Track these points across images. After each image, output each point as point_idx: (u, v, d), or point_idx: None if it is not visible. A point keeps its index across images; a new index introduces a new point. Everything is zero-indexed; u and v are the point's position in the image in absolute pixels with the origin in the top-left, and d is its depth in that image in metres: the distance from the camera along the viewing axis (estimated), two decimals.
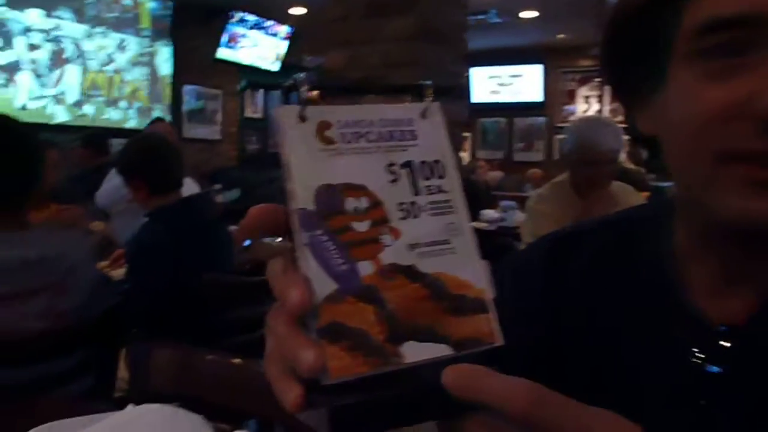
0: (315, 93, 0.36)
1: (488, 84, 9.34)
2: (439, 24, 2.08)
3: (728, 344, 0.51)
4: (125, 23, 6.11)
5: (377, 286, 0.35)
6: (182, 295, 1.76)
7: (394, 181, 0.37)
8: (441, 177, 0.38)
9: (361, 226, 0.35)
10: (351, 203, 0.36)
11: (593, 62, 8.57)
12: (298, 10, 7.07)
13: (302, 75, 0.36)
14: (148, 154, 2.01)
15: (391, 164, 0.37)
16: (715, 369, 0.51)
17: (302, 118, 0.35)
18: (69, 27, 5.62)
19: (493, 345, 0.36)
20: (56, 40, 5.54)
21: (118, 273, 2.16)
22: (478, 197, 5.34)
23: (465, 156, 8.91)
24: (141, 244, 1.90)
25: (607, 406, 0.36)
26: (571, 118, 8.65)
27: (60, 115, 5.62)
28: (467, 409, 0.34)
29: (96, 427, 0.80)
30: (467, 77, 8.95)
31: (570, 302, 0.60)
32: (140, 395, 1.08)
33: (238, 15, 6.87)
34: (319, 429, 0.34)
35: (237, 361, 1.12)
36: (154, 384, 1.11)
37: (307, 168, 0.35)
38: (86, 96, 5.83)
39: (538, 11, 6.94)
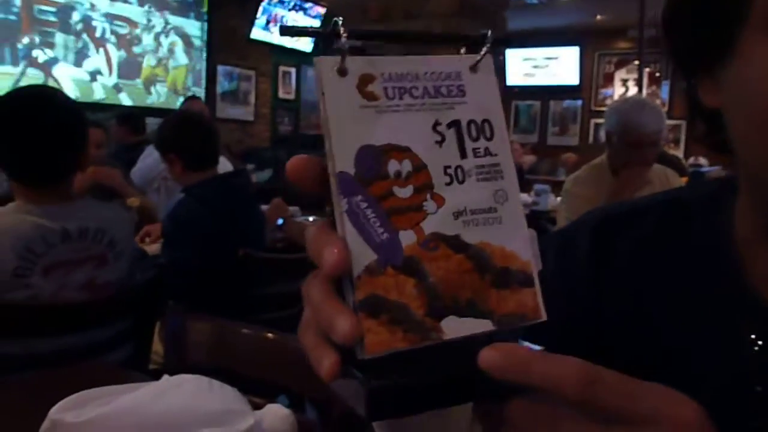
0: (358, 42, 0.34)
1: (523, 66, 9.18)
2: (480, 1, 2.03)
3: None
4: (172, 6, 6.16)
5: (419, 258, 0.33)
6: (217, 270, 1.78)
7: (440, 142, 0.35)
8: (490, 139, 0.36)
9: (404, 192, 0.34)
10: (393, 166, 0.34)
11: (632, 45, 8.35)
12: None
13: (341, 20, 0.33)
14: (184, 130, 2.03)
15: (437, 123, 0.35)
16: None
17: (342, 72, 0.33)
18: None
19: (537, 320, 0.35)
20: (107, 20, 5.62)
21: (153, 248, 2.20)
22: None
23: None
24: (177, 218, 1.92)
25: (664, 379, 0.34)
26: (608, 101, 8.47)
27: (98, 93, 5.72)
28: (509, 391, 0.32)
29: (132, 395, 0.80)
30: (503, 58, 8.84)
31: (617, 283, 0.57)
32: (175, 367, 1.10)
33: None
34: (353, 404, 0.33)
35: (270, 335, 1.12)
36: (189, 356, 1.12)
37: (348, 127, 0.33)
38: (124, 77, 5.92)
39: None
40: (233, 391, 0.87)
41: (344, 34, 0.33)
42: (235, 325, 1.16)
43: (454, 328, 0.33)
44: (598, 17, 7.94)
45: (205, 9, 6.51)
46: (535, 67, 9.16)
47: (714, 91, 0.50)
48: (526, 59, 9.14)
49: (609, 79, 8.85)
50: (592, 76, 8.89)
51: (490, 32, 0.37)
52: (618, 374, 0.32)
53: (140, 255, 1.64)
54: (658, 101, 8.18)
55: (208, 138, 2.03)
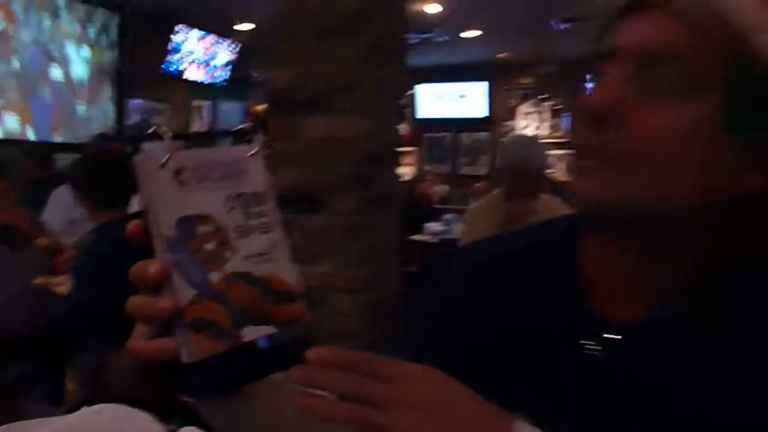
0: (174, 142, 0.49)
1: (434, 100, 9.57)
2: (382, 49, 2.20)
3: (619, 337, 0.62)
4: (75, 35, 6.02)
5: (224, 289, 0.48)
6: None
7: (231, 209, 0.50)
8: (264, 204, 0.52)
9: (210, 246, 0.48)
10: (201, 229, 0.48)
11: (533, 80, 8.93)
12: (246, 26, 7.12)
13: (168, 129, 0.50)
14: (92, 171, 2.08)
15: (229, 197, 0.50)
16: (604, 357, 0.62)
17: (160, 166, 0.47)
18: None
19: (305, 321, 0.52)
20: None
21: (62, 288, 2.19)
22: (420, 211, 5.49)
23: (411, 170, 9.09)
24: (86, 257, 1.94)
25: (522, 397, 0.52)
26: (511, 133, 8.97)
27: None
28: (289, 366, 0.49)
29: (55, 424, 0.86)
30: (411, 95, 9.21)
31: (493, 315, 0.70)
32: (93, 399, 1.14)
33: (185, 29, 6.87)
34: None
35: None
36: (107, 387, 1.17)
37: (168, 204, 0.47)
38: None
39: (481, 30, 7.20)
40: (150, 417, 0.94)
41: (166, 140, 0.49)
42: None
43: (250, 333, 0.48)
44: (502, 54, 8.44)
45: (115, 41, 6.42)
46: (447, 101, 9.56)
47: None
48: (437, 94, 9.54)
49: (513, 113, 9.37)
50: (499, 109, 9.38)
51: (257, 129, 0.54)
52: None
53: (44, 296, 1.66)
54: (558, 132, 8.76)
55: (118, 179, 2.07)
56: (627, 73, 0.56)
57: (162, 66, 6.82)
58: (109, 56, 6.37)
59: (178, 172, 0.48)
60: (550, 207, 2.38)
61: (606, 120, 0.55)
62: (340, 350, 0.49)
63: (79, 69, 6.13)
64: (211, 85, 7.51)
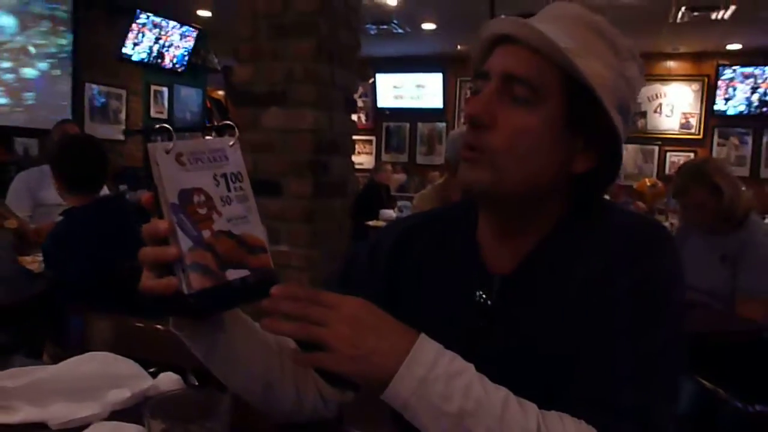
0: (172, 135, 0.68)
1: (393, 90, 9.71)
2: (333, 46, 2.38)
3: (497, 288, 0.82)
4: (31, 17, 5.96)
5: (212, 242, 0.66)
6: (100, 285, 1.92)
7: (217, 184, 0.68)
8: (241, 181, 0.71)
9: (202, 211, 0.66)
10: (196, 198, 0.66)
11: None
12: (204, 13, 7.15)
13: (168, 126, 0.71)
14: (66, 154, 2.13)
15: (215, 175, 0.68)
16: (489, 302, 0.83)
17: (167, 152, 0.65)
18: None
19: (270, 268, 0.70)
20: None
21: (34, 267, 2.31)
22: (378, 198, 5.70)
23: (369, 159, 9.24)
24: (55, 239, 2.03)
25: (424, 330, 0.70)
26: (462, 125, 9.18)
27: None
28: (259, 298, 0.68)
29: (55, 366, 1.04)
30: (371, 85, 9.30)
31: (408, 269, 0.90)
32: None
33: (144, 14, 6.85)
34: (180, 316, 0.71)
35: (159, 326, 1.37)
36: (91, 348, 1.34)
37: (173, 180, 0.65)
38: None
39: (436, 24, 7.39)
40: (133, 362, 1.12)
41: (174, 134, 0.68)
42: (129, 321, 1.39)
43: (232, 273, 0.67)
44: (459, 47, 8.63)
45: (70, 25, 6.35)
46: (405, 91, 9.70)
47: None
48: (395, 84, 9.67)
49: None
50: (455, 100, 9.59)
51: (235, 126, 0.74)
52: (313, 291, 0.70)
53: (22, 273, 1.77)
54: None
55: (91, 164, 2.12)
56: (494, 89, 0.78)
57: (120, 51, 6.79)
58: (64, 40, 6.31)
59: (179, 156, 0.66)
60: None
61: (481, 123, 0.77)
62: (294, 287, 0.70)
63: (35, 54, 6.07)
64: (170, 71, 7.51)
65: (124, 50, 6.82)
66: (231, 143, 0.71)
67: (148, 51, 7.10)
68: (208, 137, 0.76)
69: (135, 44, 6.91)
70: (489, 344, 0.80)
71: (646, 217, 0.84)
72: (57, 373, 1.02)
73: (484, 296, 0.83)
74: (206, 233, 0.66)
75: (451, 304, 0.85)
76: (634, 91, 0.82)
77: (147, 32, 7.00)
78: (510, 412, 0.66)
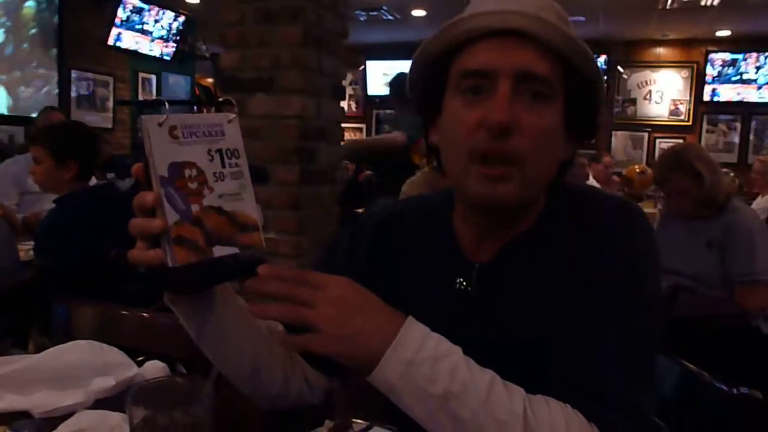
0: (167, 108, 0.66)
1: (383, 77, 9.65)
2: (320, 33, 2.36)
3: (477, 276, 0.82)
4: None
5: (201, 217, 0.65)
6: (90, 272, 1.93)
7: (211, 159, 0.67)
8: (237, 158, 0.69)
9: (193, 185, 0.65)
10: (187, 172, 0.65)
11: None
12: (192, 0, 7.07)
13: (164, 99, 0.69)
14: (85, 139, 2.18)
15: (210, 150, 0.67)
16: (470, 289, 0.83)
17: (160, 125, 0.64)
18: None
19: (262, 247, 0.70)
20: None
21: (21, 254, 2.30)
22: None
23: None
24: (47, 227, 2.04)
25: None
26: None
27: None
28: (246, 277, 0.66)
29: (39, 355, 1.03)
30: (363, 69, 9.25)
31: (388, 256, 0.90)
32: None
33: (131, 1, 6.77)
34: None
35: (145, 314, 1.37)
36: (76, 336, 1.33)
37: (163, 152, 0.63)
38: None
39: (426, 10, 7.36)
40: (119, 351, 1.12)
41: (166, 106, 0.66)
42: (115, 308, 1.39)
43: (219, 250, 0.66)
44: None
45: (56, 11, 6.27)
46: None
47: (435, 134, 0.84)
48: (386, 72, 9.61)
49: None
50: None
51: (235, 102, 0.72)
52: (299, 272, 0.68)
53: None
54: None
55: (88, 153, 2.16)
56: (509, 89, 0.73)
57: (107, 38, 6.71)
58: (51, 27, 6.23)
59: (172, 129, 0.64)
60: None
61: (509, 130, 0.72)
62: (282, 267, 0.69)
63: (21, 40, 5.99)
64: (157, 58, 7.43)
65: (111, 37, 6.73)
66: (229, 119, 0.69)
67: (136, 38, 7.02)
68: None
69: (123, 32, 6.83)
70: (470, 331, 0.79)
71: (617, 198, 0.83)
72: (41, 362, 1.02)
73: (464, 283, 0.83)
74: (195, 207, 0.65)
75: (431, 292, 0.85)
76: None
77: (134, 19, 6.91)
78: (495, 394, 0.66)
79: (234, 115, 0.70)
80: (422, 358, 0.66)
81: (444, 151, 0.81)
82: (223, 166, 0.68)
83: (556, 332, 0.74)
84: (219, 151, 0.68)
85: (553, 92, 0.75)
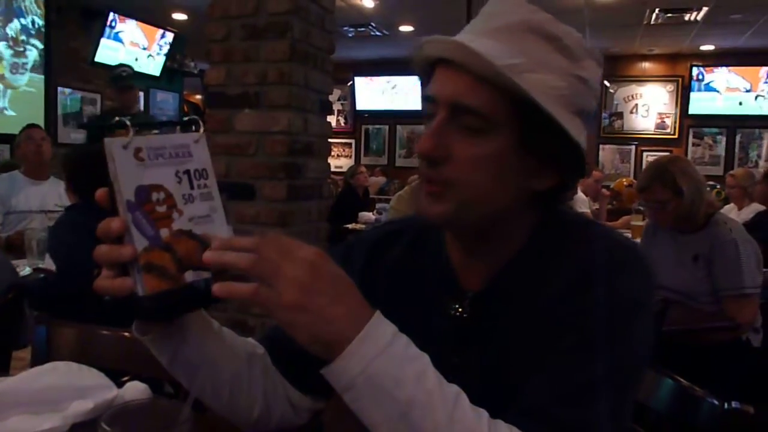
0: (130, 131, 0.63)
1: (372, 93, 9.71)
2: (307, 48, 2.36)
3: (463, 304, 0.81)
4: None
5: (171, 242, 0.62)
6: (79, 286, 1.91)
7: (179, 181, 0.64)
8: (206, 178, 0.67)
9: (161, 209, 0.62)
10: (155, 195, 0.62)
11: None
12: (179, 16, 7.07)
13: (127, 119, 0.65)
14: (80, 165, 2.13)
15: (178, 171, 0.65)
16: (464, 315, 0.81)
17: (124, 147, 0.61)
18: None
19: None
20: None
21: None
22: (356, 201, 5.68)
23: (349, 162, 9.22)
24: (52, 245, 2.05)
25: None
26: None
27: None
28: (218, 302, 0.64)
29: (14, 378, 1.00)
30: (352, 84, 9.30)
31: (381, 278, 0.88)
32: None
33: (118, 18, 6.76)
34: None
35: (127, 334, 1.33)
36: (56, 357, 1.30)
37: (129, 176, 0.61)
38: None
39: (413, 26, 7.41)
40: (98, 372, 1.09)
41: (131, 128, 0.63)
42: (95, 328, 1.36)
43: (191, 276, 0.63)
44: None
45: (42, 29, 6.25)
46: (383, 93, 9.70)
47: None
48: (374, 86, 9.66)
49: None
50: None
51: (201, 120, 0.69)
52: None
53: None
54: None
55: (101, 174, 2.17)
56: (443, 120, 0.72)
57: (94, 55, 6.69)
58: (37, 44, 6.20)
59: (137, 151, 0.62)
60: None
61: (436, 159, 0.73)
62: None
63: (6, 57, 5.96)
64: (145, 75, 7.42)
65: (97, 55, 6.71)
66: (196, 139, 0.67)
67: (123, 55, 7.00)
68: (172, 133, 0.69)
69: (110, 49, 6.81)
70: (462, 359, 0.79)
71: (620, 236, 0.80)
72: (17, 385, 0.99)
73: (459, 310, 0.82)
74: (164, 232, 0.62)
75: (424, 317, 0.83)
76: (595, 89, 0.77)
77: (122, 36, 6.90)
78: (461, 410, 0.62)
79: (201, 135, 0.67)
80: (390, 355, 0.60)
81: None
82: (192, 187, 0.65)
83: (535, 364, 0.72)
84: (187, 172, 0.65)
85: (489, 124, 0.71)
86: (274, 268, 0.59)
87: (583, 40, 0.77)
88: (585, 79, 0.75)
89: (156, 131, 0.71)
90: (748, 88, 8.20)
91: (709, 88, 8.27)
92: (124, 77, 4.32)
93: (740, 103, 8.23)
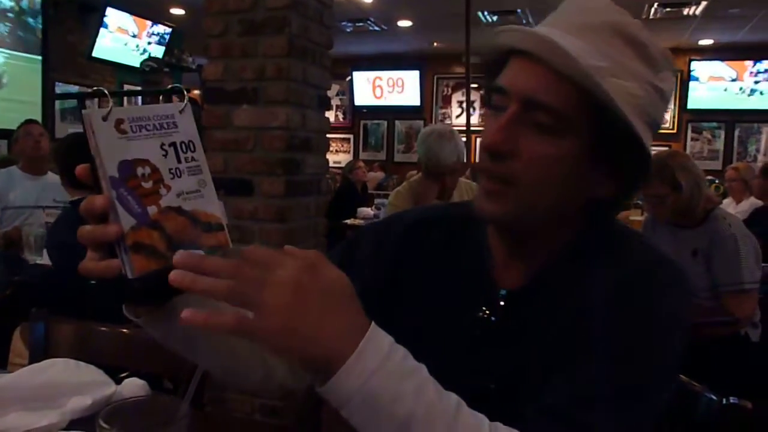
0: (110, 101, 0.59)
1: (370, 88, 9.69)
2: (305, 43, 2.35)
3: (503, 303, 0.79)
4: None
5: (159, 220, 0.58)
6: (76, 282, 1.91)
7: (165, 155, 0.60)
8: (193, 151, 0.62)
9: (147, 185, 0.58)
10: (140, 170, 0.58)
11: (465, 70, 9.19)
12: (177, 10, 7.05)
13: (105, 89, 0.61)
14: (72, 153, 2.12)
15: (163, 144, 0.60)
16: (493, 318, 0.79)
17: (104, 119, 0.57)
18: None
19: (228, 248, 0.63)
20: None
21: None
22: (354, 196, 5.67)
23: (347, 158, 9.21)
24: (50, 239, 2.06)
25: (420, 341, 0.62)
26: (447, 121, 9.23)
27: None
28: None
29: (12, 375, 1.00)
30: (350, 79, 9.29)
31: (413, 265, 0.86)
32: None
33: (115, 12, 6.74)
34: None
35: (125, 330, 1.33)
36: (54, 354, 1.30)
37: (111, 150, 0.56)
38: None
39: (412, 21, 7.39)
40: (96, 368, 1.09)
41: (110, 97, 0.60)
42: (94, 325, 1.35)
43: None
44: (435, 44, 8.64)
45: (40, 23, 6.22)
46: (382, 88, 9.68)
47: None
48: (373, 80, 9.64)
49: (447, 101, 9.61)
50: (432, 97, 9.60)
51: (185, 89, 0.65)
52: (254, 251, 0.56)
53: None
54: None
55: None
56: (515, 114, 0.70)
57: (92, 49, 6.67)
58: (33, 38, 6.17)
59: (119, 123, 0.57)
60: (467, 191, 2.59)
61: (503, 154, 0.70)
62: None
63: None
64: (143, 70, 7.38)
65: (95, 50, 6.68)
66: (180, 109, 0.62)
67: (121, 49, 6.97)
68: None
69: (107, 43, 6.78)
70: (485, 358, 0.78)
71: (663, 252, 0.77)
72: (15, 381, 0.99)
73: (488, 312, 0.81)
74: (152, 210, 0.58)
75: (453, 313, 0.82)
76: (668, 101, 0.75)
77: (119, 30, 6.87)
78: (461, 421, 0.59)
79: (185, 104, 0.63)
80: (388, 371, 0.57)
81: None
82: (179, 161, 0.61)
83: (559, 367, 0.70)
84: (173, 144, 0.61)
85: (562, 124, 0.69)
86: (254, 293, 0.54)
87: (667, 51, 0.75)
88: (662, 90, 0.73)
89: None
90: (734, 77, 8.17)
91: (709, 82, 8.26)
92: (147, 72, 4.27)
93: (725, 90, 8.19)
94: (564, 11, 0.75)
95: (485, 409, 0.62)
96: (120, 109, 0.58)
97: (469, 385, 0.63)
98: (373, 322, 0.59)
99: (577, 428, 0.65)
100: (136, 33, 7.14)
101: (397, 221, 0.91)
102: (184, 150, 0.62)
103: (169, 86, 0.66)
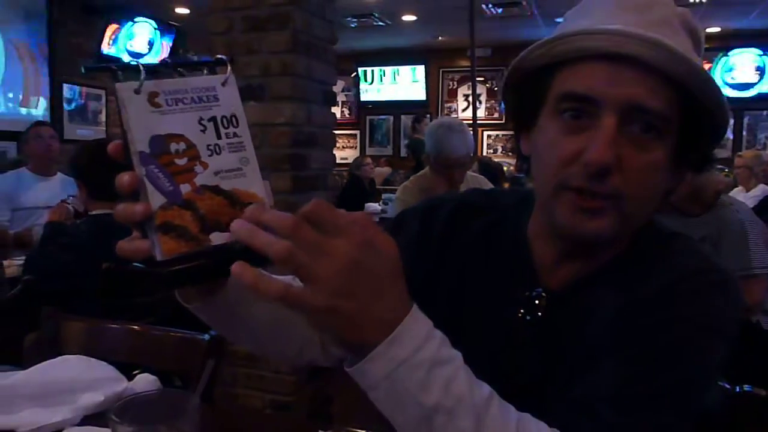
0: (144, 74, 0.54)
1: (375, 83, 9.67)
2: (309, 39, 2.35)
3: (540, 302, 0.78)
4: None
5: (193, 199, 0.54)
6: (86, 284, 1.90)
7: (203, 130, 0.56)
8: (236, 126, 0.57)
9: (181, 162, 0.54)
10: (173, 147, 0.54)
11: (470, 63, 9.16)
12: (182, 10, 7.06)
13: (139, 62, 0.56)
14: (92, 161, 2.05)
15: (201, 119, 0.56)
16: (528, 317, 0.78)
17: (137, 92, 0.53)
18: None
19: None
20: None
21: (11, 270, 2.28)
22: (362, 192, 5.68)
23: (354, 153, 9.20)
24: (62, 235, 2.01)
25: (457, 330, 0.60)
26: (453, 115, 9.20)
27: None
28: (263, 264, 0.52)
29: (26, 371, 1.01)
30: (356, 75, 9.28)
31: (459, 248, 0.85)
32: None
33: (122, 13, 6.76)
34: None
35: (136, 327, 1.34)
36: (66, 351, 1.31)
37: (142, 124, 0.53)
38: None
39: (416, 15, 7.36)
40: (108, 365, 1.10)
41: (142, 69, 0.54)
42: (105, 323, 1.36)
43: (217, 237, 0.54)
44: (440, 38, 8.62)
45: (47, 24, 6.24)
46: (387, 83, 9.66)
47: (527, 144, 0.78)
48: (377, 77, 9.63)
49: (453, 95, 9.57)
50: (438, 91, 9.57)
51: (230, 58, 0.61)
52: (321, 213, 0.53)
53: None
54: (496, 114, 9.06)
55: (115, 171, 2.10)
56: (615, 125, 0.66)
57: (98, 52, 6.69)
58: (41, 40, 6.20)
59: (153, 96, 0.54)
60: (475, 185, 2.58)
61: (608, 171, 0.66)
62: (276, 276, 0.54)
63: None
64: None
65: (102, 50, 6.70)
66: (223, 81, 0.57)
67: (127, 50, 7.00)
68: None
69: (114, 43, 6.81)
70: (523, 354, 0.78)
71: (712, 257, 0.75)
72: (28, 378, 0.99)
73: (524, 311, 0.80)
74: (186, 188, 0.54)
75: (493, 308, 0.81)
76: None
77: (126, 31, 6.89)
78: (490, 416, 0.58)
79: (229, 75, 0.58)
80: (420, 360, 0.56)
81: (534, 167, 0.76)
82: (219, 137, 0.56)
83: (594, 366, 0.69)
84: (213, 119, 0.56)
85: (666, 127, 0.67)
86: (309, 261, 0.51)
87: None
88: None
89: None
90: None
91: (716, 70, 8.19)
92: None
93: (734, 78, 8.10)
94: (624, 5, 0.70)
95: (514, 405, 0.62)
96: (154, 82, 0.54)
97: (499, 380, 0.62)
98: (414, 307, 0.58)
99: (610, 427, 0.64)
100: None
101: (439, 204, 0.89)
102: (226, 125, 0.57)
103: (213, 58, 0.60)
